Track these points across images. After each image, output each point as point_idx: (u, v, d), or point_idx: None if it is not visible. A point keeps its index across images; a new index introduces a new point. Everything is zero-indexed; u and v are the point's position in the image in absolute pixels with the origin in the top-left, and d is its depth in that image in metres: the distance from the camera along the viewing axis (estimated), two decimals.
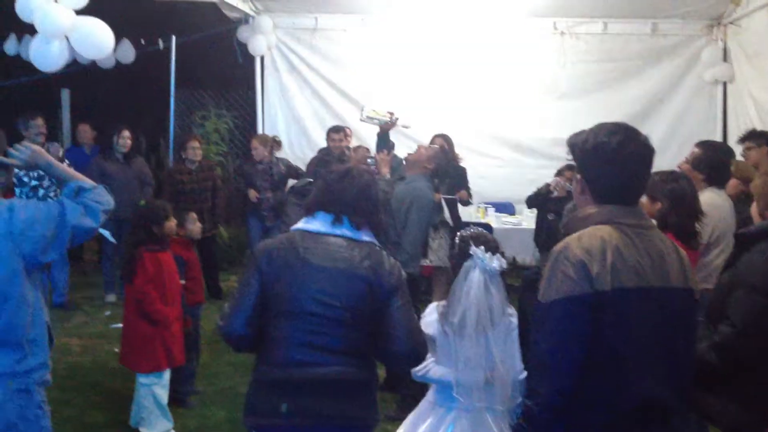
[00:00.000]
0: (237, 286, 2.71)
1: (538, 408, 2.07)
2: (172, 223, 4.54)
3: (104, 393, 5.10)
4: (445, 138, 6.62)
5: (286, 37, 8.75)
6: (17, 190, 6.16)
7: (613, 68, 8.48)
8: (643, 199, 3.18)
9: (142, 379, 4.41)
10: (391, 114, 5.59)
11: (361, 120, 5.74)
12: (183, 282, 4.67)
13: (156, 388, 4.40)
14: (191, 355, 4.81)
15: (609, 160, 2.14)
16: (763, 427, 2.60)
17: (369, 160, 5.50)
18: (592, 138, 2.18)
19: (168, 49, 8.33)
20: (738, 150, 5.18)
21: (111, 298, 7.35)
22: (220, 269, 7.85)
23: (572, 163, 2.29)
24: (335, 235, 2.65)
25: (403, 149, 5.99)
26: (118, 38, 6.99)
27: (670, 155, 6.39)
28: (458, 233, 3.35)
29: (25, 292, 2.57)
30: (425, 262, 5.66)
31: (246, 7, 8.24)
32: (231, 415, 4.69)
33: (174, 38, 8.29)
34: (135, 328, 4.42)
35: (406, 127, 5.87)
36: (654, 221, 2.71)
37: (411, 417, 3.29)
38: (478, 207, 7.76)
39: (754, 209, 3.10)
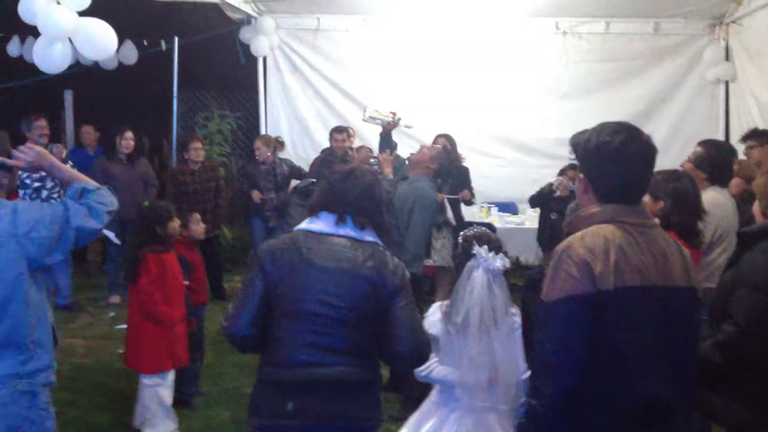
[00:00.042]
0: (241, 287, 2.71)
1: (543, 408, 2.07)
2: (175, 224, 4.54)
3: (108, 394, 5.10)
4: (447, 138, 6.63)
5: (288, 37, 8.75)
6: (20, 192, 6.17)
7: (616, 68, 8.47)
8: (646, 198, 3.19)
9: (147, 380, 4.41)
10: (394, 114, 5.58)
11: (364, 120, 5.73)
12: (186, 283, 4.66)
13: (160, 389, 4.40)
14: (195, 355, 4.80)
15: (612, 160, 2.15)
16: (767, 425, 2.60)
17: (372, 160, 5.50)
18: (594, 137, 2.19)
19: (171, 50, 8.36)
20: (740, 149, 5.19)
21: (115, 299, 7.35)
22: (223, 270, 7.84)
23: (575, 162, 2.30)
24: (339, 236, 2.65)
25: (405, 149, 6.00)
26: (121, 39, 7.03)
27: (672, 154, 6.40)
28: (461, 233, 3.35)
29: (29, 293, 2.56)
30: (428, 262, 5.67)
31: (248, 8, 8.24)
32: (235, 415, 4.68)
33: (177, 39, 8.31)
34: (139, 329, 4.43)
35: (409, 127, 5.86)
36: (657, 220, 2.72)
37: (414, 417, 3.28)
38: (481, 207, 7.76)
39: (756, 208, 3.10)
